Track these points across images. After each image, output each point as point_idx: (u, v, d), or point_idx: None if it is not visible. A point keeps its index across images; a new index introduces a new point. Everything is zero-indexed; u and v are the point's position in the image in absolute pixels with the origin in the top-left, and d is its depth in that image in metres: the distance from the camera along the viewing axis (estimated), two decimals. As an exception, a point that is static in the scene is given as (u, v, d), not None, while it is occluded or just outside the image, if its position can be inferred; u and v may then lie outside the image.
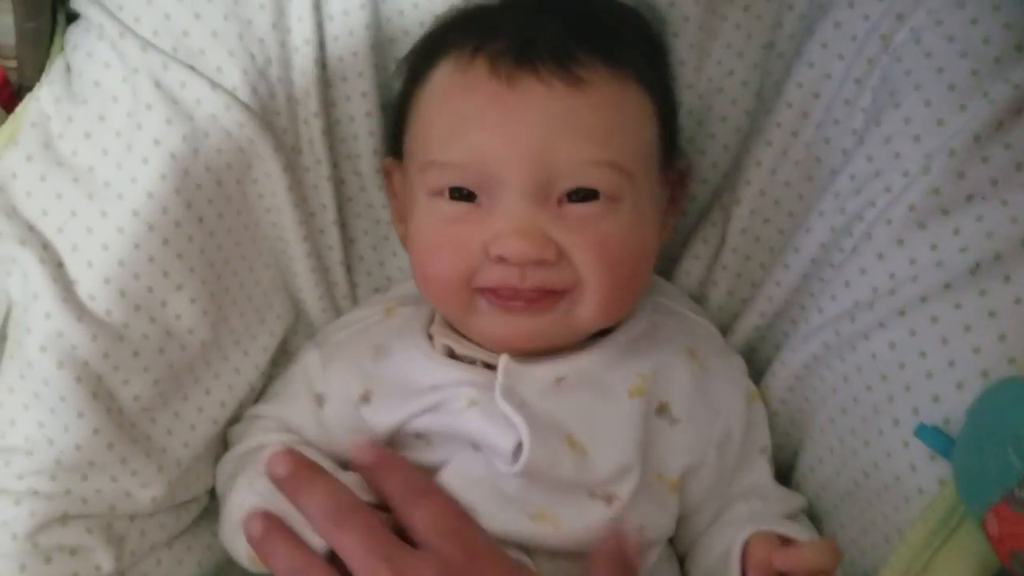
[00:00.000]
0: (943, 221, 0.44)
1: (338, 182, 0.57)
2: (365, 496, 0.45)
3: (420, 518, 0.43)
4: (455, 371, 0.49)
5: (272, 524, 0.44)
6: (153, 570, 0.48)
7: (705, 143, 0.57)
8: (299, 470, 0.44)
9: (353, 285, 0.59)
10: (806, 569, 0.42)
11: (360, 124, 0.56)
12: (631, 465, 0.46)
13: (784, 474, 0.53)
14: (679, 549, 0.52)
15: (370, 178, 0.57)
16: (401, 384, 0.49)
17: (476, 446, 0.47)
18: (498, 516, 0.44)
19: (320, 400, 0.52)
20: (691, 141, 0.58)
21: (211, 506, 0.53)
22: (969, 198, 0.43)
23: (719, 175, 0.57)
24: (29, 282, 0.44)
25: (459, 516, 0.44)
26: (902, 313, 0.44)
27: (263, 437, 0.52)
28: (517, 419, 0.45)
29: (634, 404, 0.48)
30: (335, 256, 0.57)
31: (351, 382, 0.51)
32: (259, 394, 0.55)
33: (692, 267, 0.57)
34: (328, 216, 0.56)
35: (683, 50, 0.55)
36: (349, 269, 0.58)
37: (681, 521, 0.51)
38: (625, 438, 0.47)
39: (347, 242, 0.58)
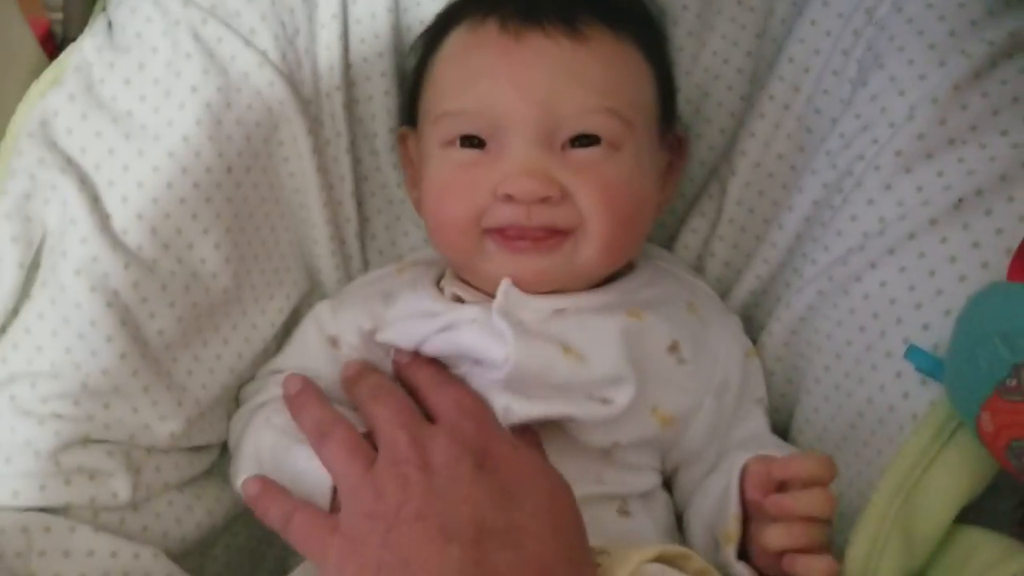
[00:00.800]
0: (928, 164, 0.47)
1: (355, 160, 0.59)
2: None
3: (442, 402, 0.47)
4: (462, 309, 0.51)
5: (306, 384, 0.49)
6: (164, 510, 0.49)
7: (702, 127, 0.61)
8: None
9: (366, 261, 0.61)
10: (804, 477, 0.43)
11: (378, 103, 0.59)
12: (624, 375, 0.48)
13: (780, 433, 0.54)
14: (678, 501, 0.53)
15: (386, 157, 0.60)
16: (412, 315, 0.52)
17: (476, 361, 0.49)
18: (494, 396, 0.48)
19: (334, 342, 0.54)
20: (689, 126, 0.61)
21: (221, 461, 0.54)
22: (951, 142, 0.47)
23: (715, 156, 0.60)
24: (67, 209, 0.46)
25: (475, 401, 0.47)
26: (892, 251, 0.47)
27: (276, 391, 0.53)
28: (504, 327, 0.48)
29: (630, 323, 0.50)
30: (351, 228, 0.59)
31: (362, 319, 0.53)
32: (271, 356, 0.56)
33: (690, 240, 0.60)
34: (346, 188, 0.59)
35: (681, 38, 0.60)
36: (363, 245, 0.61)
37: (681, 470, 0.53)
38: (617, 352, 0.48)
39: (362, 219, 0.60)
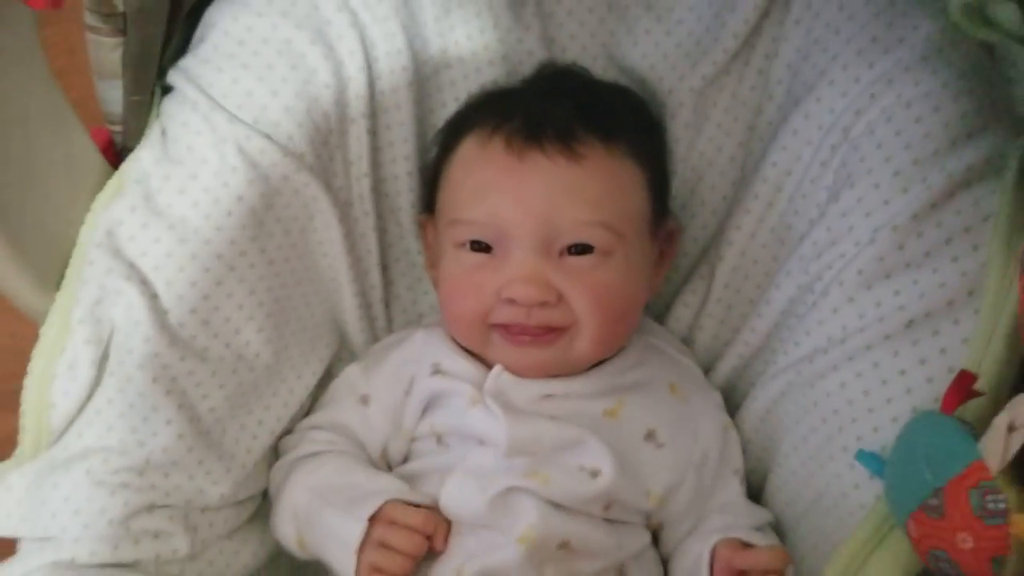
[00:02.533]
0: (886, 283, 0.54)
1: (382, 231, 0.67)
2: (407, 492, 0.57)
3: None
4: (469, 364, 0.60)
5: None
6: (216, 557, 0.57)
7: (696, 208, 0.68)
8: None
9: (390, 320, 0.70)
10: (760, 568, 0.51)
11: (402, 182, 0.67)
12: (603, 461, 0.56)
13: (755, 494, 0.63)
14: (663, 552, 0.61)
15: (408, 228, 0.68)
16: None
17: (480, 441, 0.58)
18: (495, 474, 0.55)
19: (365, 400, 0.63)
20: (684, 207, 0.68)
21: (262, 507, 0.63)
22: (907, 265, 0.53)
23: (708, 235, 0.68)
24: (131, 311, 0.54)
25: None
26: (851, 358, 0.54)
27: (312, 447, 0.61)
28: (497, 410, 0.56)
29: (609, 424, 0.58)
30: (376, 294, 0.68)
31: (396, 387, 0.62)
32: (307, 411, 0.65)
33: (682, 314, 0.68)
34: (372, 260, 0.67)
35: (679, 129, 0.66)
36: (388, 306, 0.69)
37: (666, 530, 0.61)
38: (599, 441, 0.57)
39: (387, 283, 0.69)
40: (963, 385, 0.47)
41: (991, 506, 0.44)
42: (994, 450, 0.45)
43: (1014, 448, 0.44)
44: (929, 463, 0.47)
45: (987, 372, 0.47)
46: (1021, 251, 0.45)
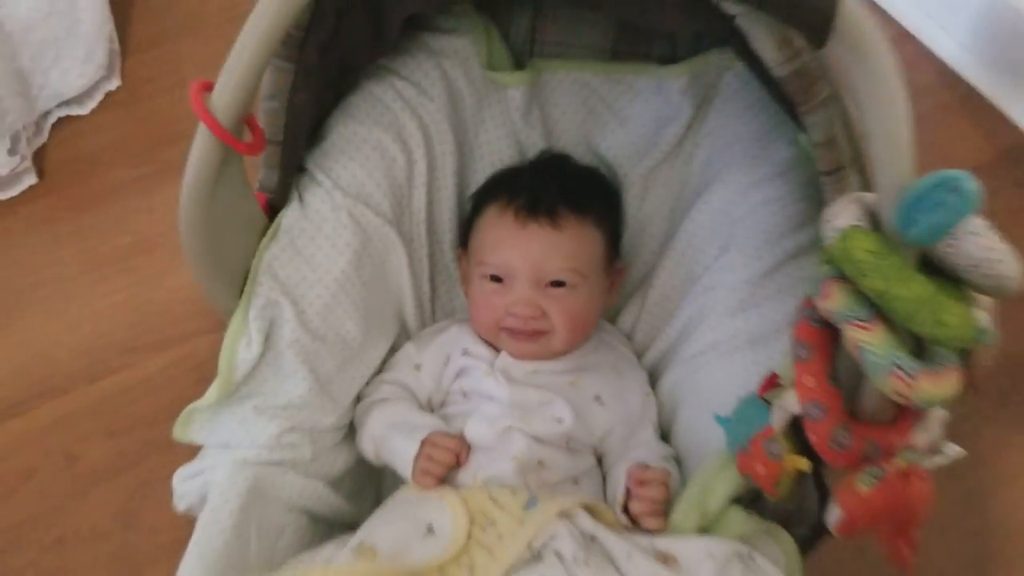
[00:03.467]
0: (742, 315, 0.85)
1: (432, 258, 0.99)
2: (443, 427, 0.88)
3: None
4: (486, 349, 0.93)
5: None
6: (326, 461, 0.88)
7: (640, 251, 1.00)
8: None
9: (434, 315, 1.02)
10: (650, 478, 0.83)
11: (446, 227, 0.99)
12: (566, 414, 0.88)
13: (665, 438, 0.94)
14: (603, 471, 0.93)
15: (449, 256, 1.00)
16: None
17: (491, 398, 0.90)
18: (500, 418, 0.87)
19: (418, 367, 0.95)
20: (631, 250, 1.00)
21: (349, 433, 0.96)
22: (756, 305, 0.85)
23: (644, 271, 0.99)
24: (283, 312, 0.84)
25: None
26: (719, 358, 0.86)
27: (383, 395, 0.94)
28: (502, 380, 0.89)
29: (572, 390, 0.90)
30: (426, 298, 0.99)
31: (439, 357, 0.94)
32: (377, 373, 0.96)
33: (626, 319, 1.00)
34: (424, 276, 0.98)
35: (630, 199, 0.98)
36: (433, 306, 1.01)
37: (605, 457, 0.92)
38: (564, 401, 0.89)
39: (434, 291, 1.00)
40: (771, 381, 0.79)
41: (773, 450, 0.77)
42: (776, 420, 0.77)
43: (784, 421, 0.76)
44: (747, 425, 0.80)
45: (786, 374, 0.80)
46: (804, 301, 0.77)
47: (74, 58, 1.34)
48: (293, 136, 0.83)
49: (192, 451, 0.86)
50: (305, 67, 0.77)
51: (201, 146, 0.69)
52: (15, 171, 1.31)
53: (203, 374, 0.88)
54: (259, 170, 0.87)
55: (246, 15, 1.03)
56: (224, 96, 0.67)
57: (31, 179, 1.34)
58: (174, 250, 1.28)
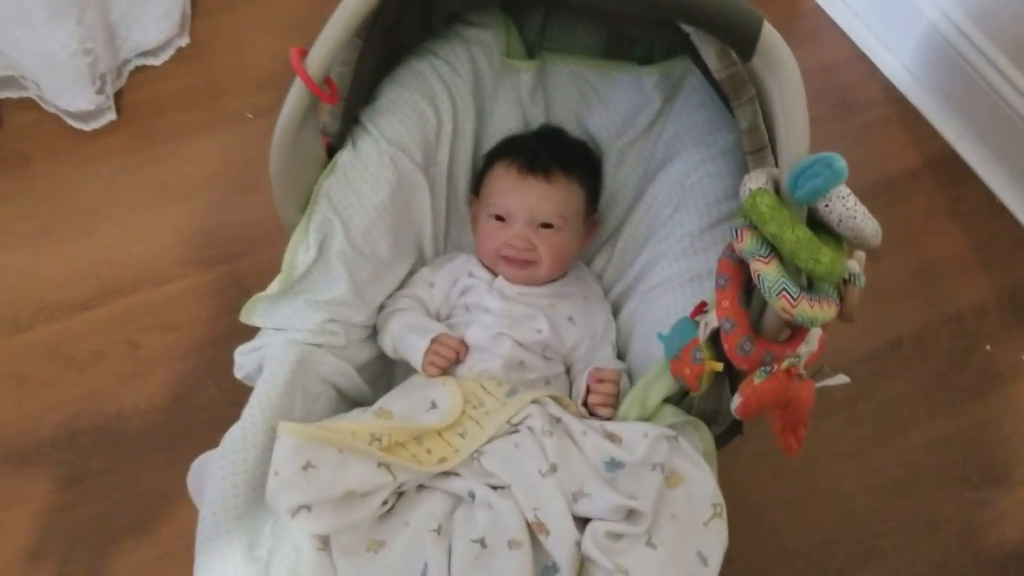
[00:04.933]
0: (685, 260, 1.08)
1: (449, 200, 1.22)
2: (448, 331, 1.11)
3: None
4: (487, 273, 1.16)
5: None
6: (355, 349, 1.09)
7: (613, 208, 1.23)
8: None
9: (447, 246, 1.24)
10: (607, 379, 1.07)
11: (462, 176, 1.22)
12: (544, 326, 1.12)
13: (622, 356, 1.19)
14: (570, 378, 1.17)
15: (463, 201, 1.23)
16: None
17: (487, 311, 1.13)
18: (493, 326, 1.10)
19: (431, 285, 1.17)
20: (606, 207, 1.24)
21: (372, 334, 1.19)
22: (695, 253, 1.07)
23: (615, 224, 1.23)
24: (333, 227, 1.04)
25: None
26: (665, 292, 1.09)
27: (402, 304, 1.16)
28: (497, 297, 1.12)
29: (550, 309, 1.14)
30: (441, 231, 1.22)
31: (449, 276, 1.17)
32: (401, 287, 1.19)
33: (598, 263, 1.24)
34: (441, 214, 1.21)
35: (608, 167, 1.21)
36: (447, 238, 1.24)
37: (572, 367, 1.16)
38: (544, 317, 1.13)
39: (448, 226, 1.23)
40: (700, 308, 1.03)
41: (697, 357, 1.00)
42: (701, 333, 1.01)
43: (706, 334, 1.00)
44: (680, 338, 1.03)
45: (712, 302, 1.05)
46: (726, 245, 1.00)
47: (154, 16, 1.56)
48: (354, 95, 1.07)
49: (232, 347, 1.05)
50: (370, 44, 1.00)
51: (295, 95, 0.92)
52: (99, 108, 1.53)
53: (244, 288, 1.09)
54: (324, 118, 1.10)
55: None
56: (316, 60, 0.90)
57: (111, 115, 1.56)
58: (227, 183, 1.53)
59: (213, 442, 0.94)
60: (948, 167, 1.73)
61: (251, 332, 1.07)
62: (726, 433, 1.05)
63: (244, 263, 1.47)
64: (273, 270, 1.04)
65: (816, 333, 0.96)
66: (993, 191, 1.71)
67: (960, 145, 1.76)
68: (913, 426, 1.42)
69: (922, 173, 1.72)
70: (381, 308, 1.18)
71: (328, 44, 0.89)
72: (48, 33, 1.39)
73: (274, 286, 1.04)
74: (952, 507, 1.35)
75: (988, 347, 1.51)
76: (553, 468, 0.94)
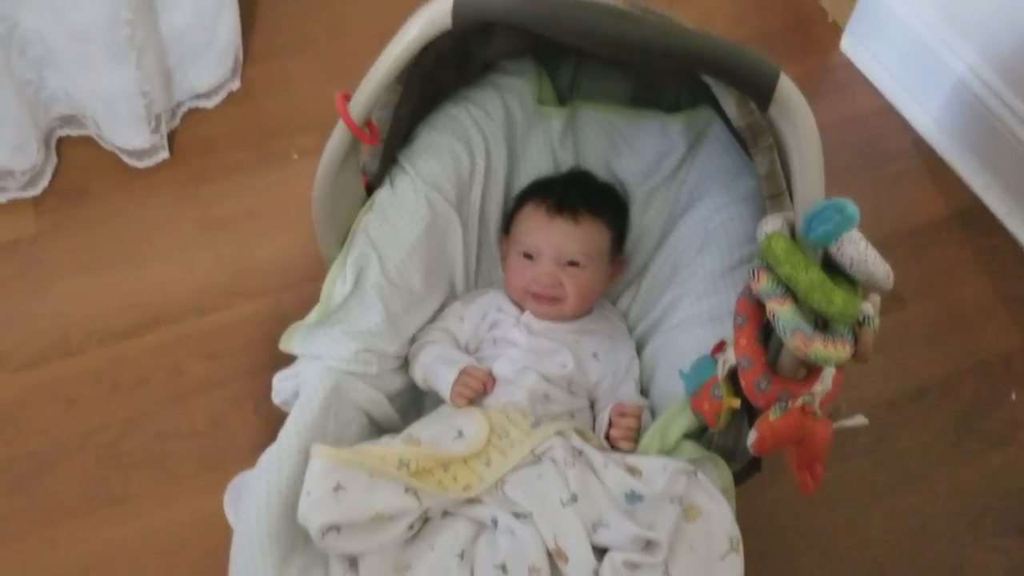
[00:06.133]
0: (706, 299, 1.11)
1: (480, 238, 1.26)
2: (476, 363, 1.15)
3: None
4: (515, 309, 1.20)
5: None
6: (387, 378, 1.13)
7: (639, 249, 1.27)
8: None
9: (478, 282, 1.29)
10: (629, 413, 1.10)
11: (493, 216, 1.26)
12: (569, 361, 1.16)
13: (646, 393, 1.22)
14: (594, 413, 1.20)
15: (493, 239, 1.27)
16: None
17: (514, 345, 1.17)
18: (519, 360, 1.13)
19: (462, 319, 1.21)
20: (634, 247, 1.28)
21: (404, 365, 1.23)
22: (716, 292, 1.11)
23: (640, 265, 1.26)
24: (371, 263, 1.10)
25: None
26: (687, 331, 1.12)
27: (433, 337, 1.20)
28: (524, 332, 1.16)
29: (576, 345, 1.17)
30: (472, 268, 1.26)
31: (479, 313, 1.21)
32: (431, 322, 1.24)
33: (623, 302, 1.28)
34: (472, 252, 1.25)
35: (635, 207, 1.25)
36: (477, 274, 1.28)
37: (596, 402, 1.19)
38: (569, 352, 1.16)
39: (478, 264, 1.27)
40: (719, 345, 1.06)
41: (716, 393, 1.03)
42: (720, 370, 1.04)
43: (725, 371, 1.03)
44: (700, 375, 1.06)
45: (730, 340, 1.07)
46: (744, 285, 1.03)
47: (209, 62, 1.65)
48: (393, 137, 1.12)
49: (270, 376, 1.10)
50: (409, 90, 1.06)
51: (338, 136, 0.98)
52: (153, 146, 1.61)
53: (284, 319, 1.13)
54: (364, 158, 1.16)
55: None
56: (359, 104, 0.95)
57: (164, 154, 1.64)
58: (272, 219, 1.60)
59: (249, 465, 0.98)
60: (975, 218, 1.74)
61: (288, 362, 1.11)
62: (745, 470, 1.06)
63: (284, 295, 1.52)
64: (311, 303, 1.09)
65: (830, 372, 0.98)
66: (1020, 242, 1.72)
67: (987, 196, 1.78)
68: (937, 472, 1.42)
69: (949, 223, 1.73)
70: (413, 339, 1.22)
71: (370, 90, 0.95)
72: (110, 76, 1.48)
73: (312, 315, 1.09)
74: (975, 554, 1.34)
75: (1014, 396, 1.51)
76: (574, 498, 0.97)
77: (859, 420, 1.03)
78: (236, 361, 1.45)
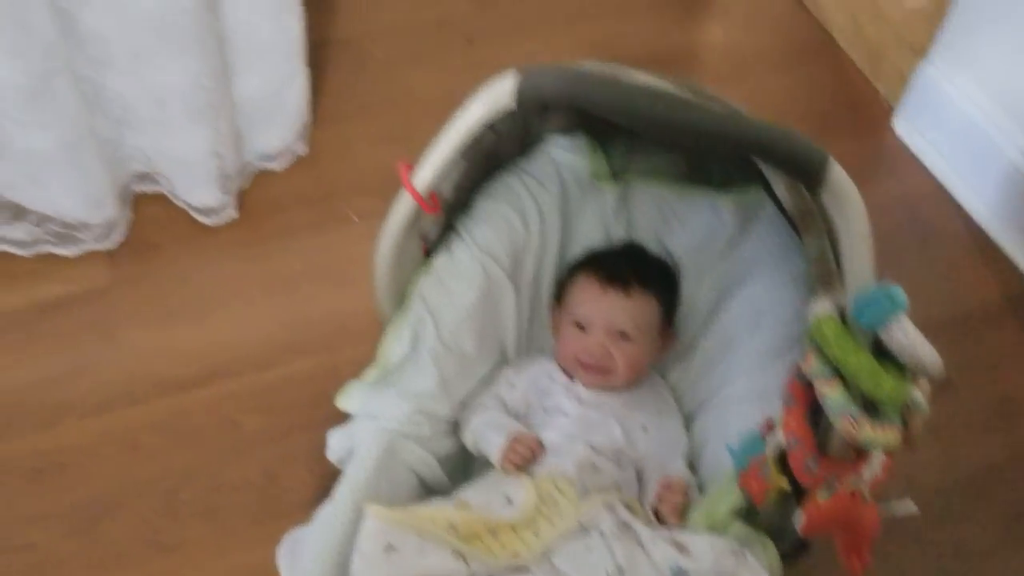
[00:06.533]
0: (763, 377, 1.12)
1: (532, 305, 1.29)
2: (526, 431, 1.17)
3: None
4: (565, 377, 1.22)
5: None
6: (439, 441, 1.14)
7: (689, 324, 1.28)
8: None
9: (529, 348, 1.31)
10: (676, 488, 1.11)
11: (546, 284, 1.29)
12: (618, 433, 1.17)
13: (694, 469, 1.21)
14: (641, 484, 1.21)
15: (546, 307, 1.30)
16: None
17: (564, 414, 1.19)
18: (569, 429, 1.15)
19: (513, 386, 1.23)
20: (684, 322, 1.29)
21: (455, 428, 1.24)
22: (765, 371, 1.12)
23: (689, 339, 1.28)
24: (426, 328, 1.13)
25: None
26: (736, 409, 1.13)
27: (483, 403, 1.22)
28: (575, 402, 1.18)
29: (625, 417, 1.19)
30: (524, 334, 1.29)
31: (530, 381, 1.23)
32: (483, 387, 1.26)
33: (672, 376, 1.28)
34: (524, 318, 1.28)
35: (686, 282, 1.27)
36: (529, 341, 1.30)
37: (643, 473, 1.19)
38: (618, 424, 1.18)
39: (530, 330, 1.30)
40: (769, 424, 1.06)
41: (765, 472, 1.03)
42: (768, 449, 1.04)
43: (774, 451, 1.03)
44: (748, 453, 1.07)
45: (778, 419, 1.08)
46: (793, 366, 1.04)
47: (277, 127, 1.72)
48: (452, 207, 1.17)
49: (323, 433, 1.12)
50: (471, 163, 1.11)
51: (403, 206, 1.03)
52: (223, 205, 1.68)
53: (339, 376, 1.16)
54: (424, 224, 1.20)
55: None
56: (423, 176, 1.00)
57: (233, 213, 1.71)
58: (334, 280, 1.65)
59: (299, 520, 1.00)
60: (1028, 304, 1.73)
61: (342, 419, 1.14)
62: (792, 551, 1.06)
63: (340, 354, 1.55)
64: (366, 361, 1.12)
65: (880, 457, 0.98)
66: (1075, 328, 1.70)
67: (1041, 281, 1.76)
68: (985, 562, 1.39)
69: (1002, 309, 1.72)
70: (463, 403, 1.24)
71: (436, 165, 0.99)
72: (186, 138, 1.55)
73: (369, 375, 1.13)
74: (1027, 648, 1.31)
75: (1068, 486, 1.48)
76: (620, 571, 0.98)
77: (909, 507, 1.02)
78: (291, 417, 1.48)
